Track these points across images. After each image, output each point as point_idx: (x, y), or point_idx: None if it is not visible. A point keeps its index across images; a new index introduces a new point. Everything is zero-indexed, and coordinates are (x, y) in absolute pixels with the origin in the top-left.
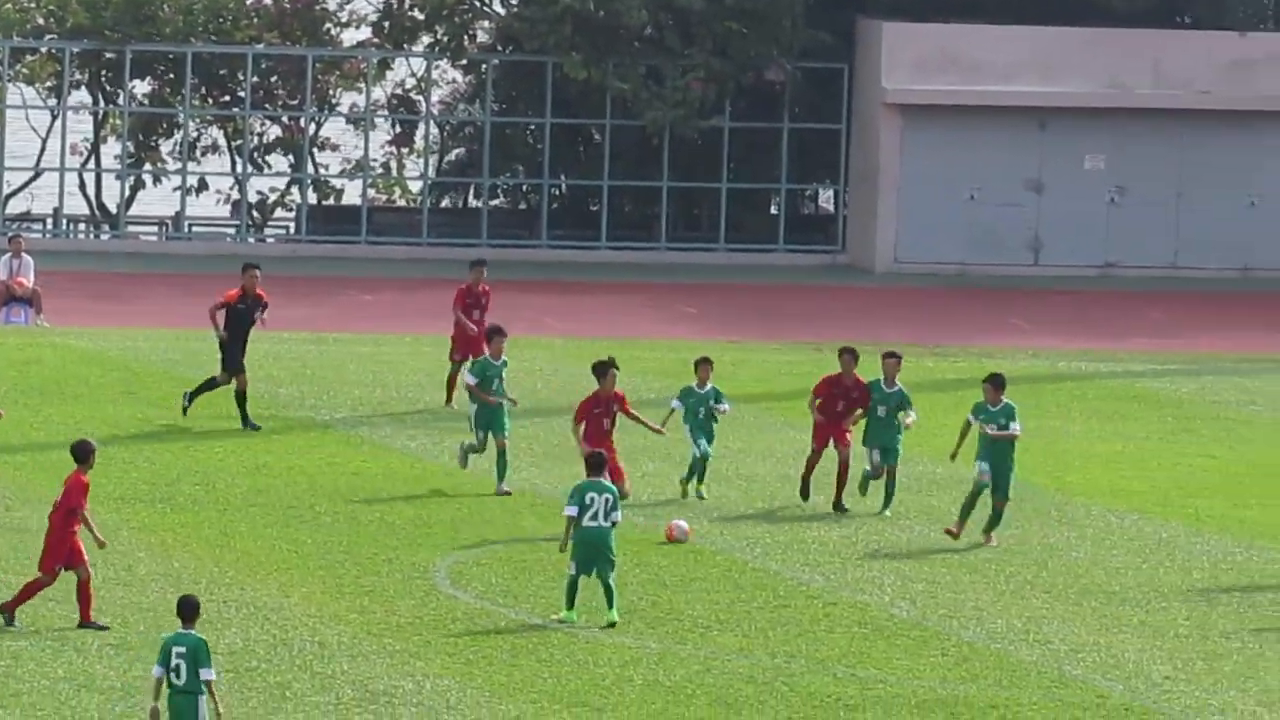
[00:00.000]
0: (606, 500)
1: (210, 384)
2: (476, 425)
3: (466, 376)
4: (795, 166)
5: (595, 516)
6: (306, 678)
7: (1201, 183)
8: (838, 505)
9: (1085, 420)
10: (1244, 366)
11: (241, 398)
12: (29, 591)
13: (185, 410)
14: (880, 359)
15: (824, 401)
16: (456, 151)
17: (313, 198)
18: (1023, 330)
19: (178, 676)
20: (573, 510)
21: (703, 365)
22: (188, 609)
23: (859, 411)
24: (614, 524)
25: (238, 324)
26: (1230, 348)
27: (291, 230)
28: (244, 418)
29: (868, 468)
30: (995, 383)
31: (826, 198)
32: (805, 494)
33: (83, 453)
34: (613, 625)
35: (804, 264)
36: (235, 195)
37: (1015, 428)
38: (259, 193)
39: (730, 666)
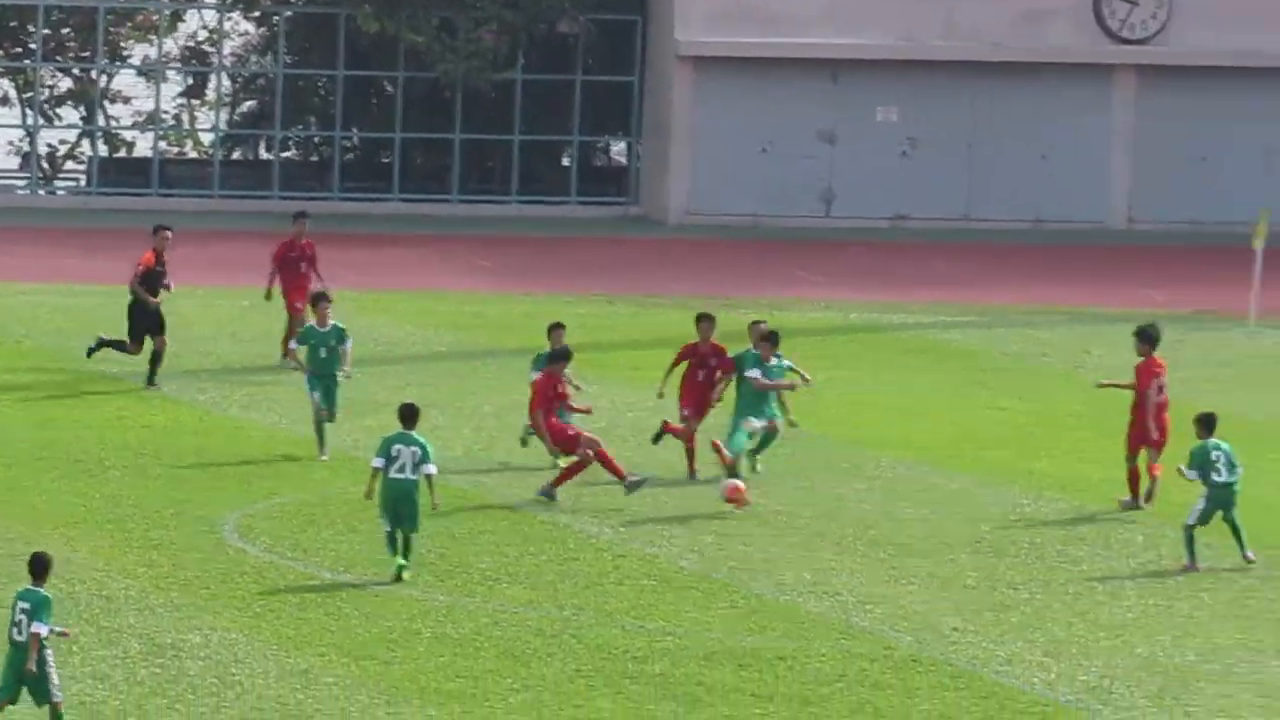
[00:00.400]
0: (414, 453)
1: (120, 346)
2: (310, 390)
3: (293, 341)
4: (588, 119)
5: (402, 469)
6: (93, 631)
7: (993, 135)
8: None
9: (876, 372)
10: (1034, 318)
11: (157, 358)
12: None
13: (90, 353)
14: (749, 327)
15: (687, 371)
16: (248, 104)
17: (104, 150)
18: (815, 282)
19: (19, 632)
20: (379, 462)
21: (555, 331)
22: (38, 567)
23: (723, 383)
24: (428, 477)
25: (153, 287)
26: (1021, 299)
27: (82, 183)
28: (151, 375)
29: (750, 432)
30: (769, 339)
31: (620, 150)
32: (656, 440)
33: None
34: (399, 580)
35: (597, 216)
36: (25, 148)
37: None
38: (49, 145)
39: (518, 619)
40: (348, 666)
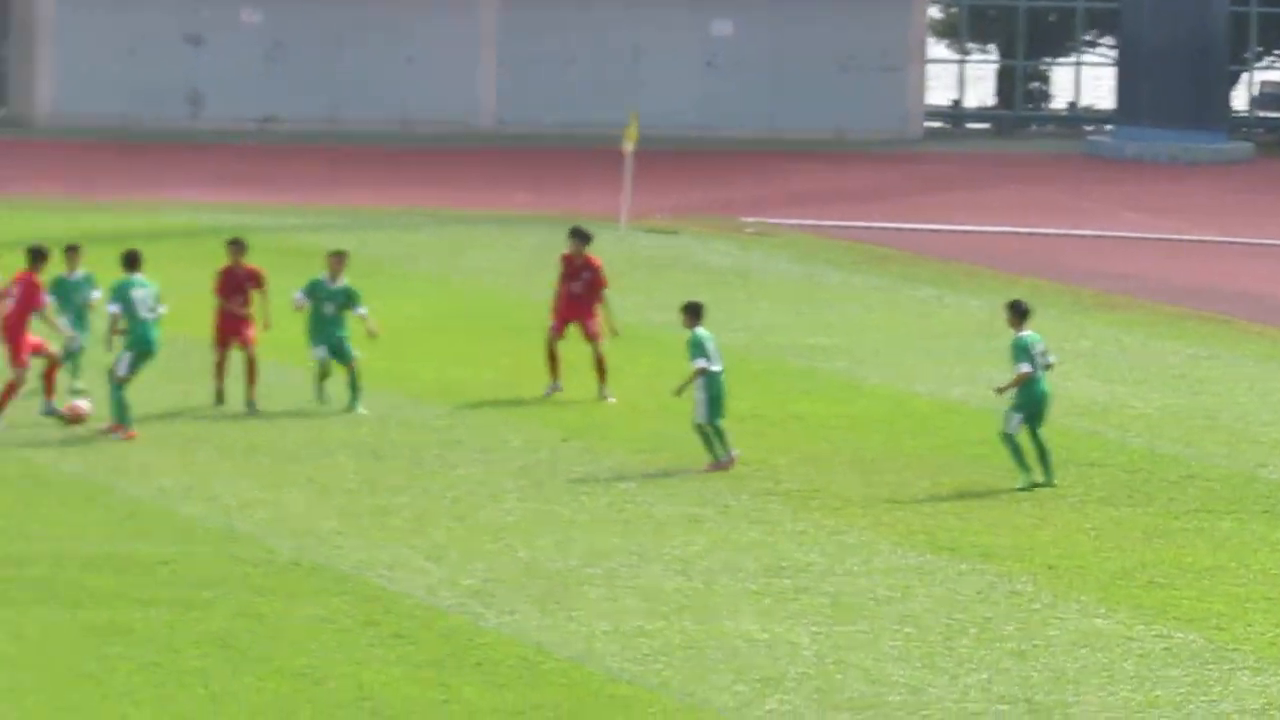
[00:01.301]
0: None
1: None
2: None
3: None
4: None
5: None
6: None
7: (359, 36)
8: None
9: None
10: (403, 220)
11: None
12: None
13: None
14: (327, 257)
15: (221, 294)
16: None
17: None
18: (192, 184)
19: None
20: None
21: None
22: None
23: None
24: None
25: None
26: (390, 201)
27: None
28: None
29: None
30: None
31: None
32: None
33: None
34: None
35: None
36: None
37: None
38: None
39: None
40: None
